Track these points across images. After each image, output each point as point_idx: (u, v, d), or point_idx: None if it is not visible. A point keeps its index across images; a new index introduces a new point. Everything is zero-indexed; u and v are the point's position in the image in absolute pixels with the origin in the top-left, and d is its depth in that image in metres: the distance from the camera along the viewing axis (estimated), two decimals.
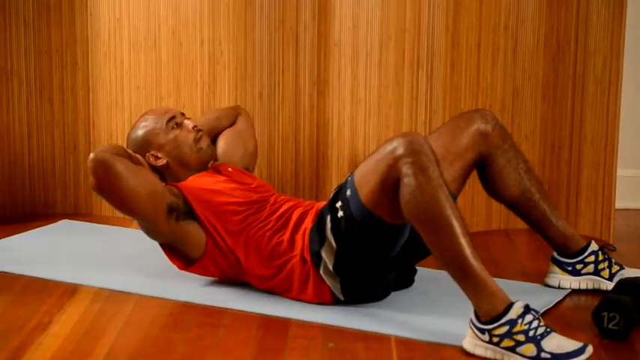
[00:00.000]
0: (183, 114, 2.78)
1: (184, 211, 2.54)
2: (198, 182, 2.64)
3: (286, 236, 2.53)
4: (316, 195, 3.33)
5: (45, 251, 3.00)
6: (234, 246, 2.55)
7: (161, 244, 2.62)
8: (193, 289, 2.60)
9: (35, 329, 2.32)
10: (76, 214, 3.50)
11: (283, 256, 2.52)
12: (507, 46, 3.22)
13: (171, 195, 2.54)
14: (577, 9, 3.18)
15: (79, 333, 2.30)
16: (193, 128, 2.73)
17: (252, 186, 2.71)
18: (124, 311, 2.45)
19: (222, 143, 2.95)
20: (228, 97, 3.32)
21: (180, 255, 2.60)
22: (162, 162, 2.69)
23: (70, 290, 2.62)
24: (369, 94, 3.21)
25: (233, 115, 3.04)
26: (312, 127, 3.32)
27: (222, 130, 3.00)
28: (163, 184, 2.59)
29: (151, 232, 2.57)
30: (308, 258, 2.47)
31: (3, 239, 3.14)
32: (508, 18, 3.20)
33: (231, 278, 2.61)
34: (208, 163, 2.78)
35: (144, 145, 2.70)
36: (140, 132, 2.72)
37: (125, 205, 2.49)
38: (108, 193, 2.47)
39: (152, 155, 2.70)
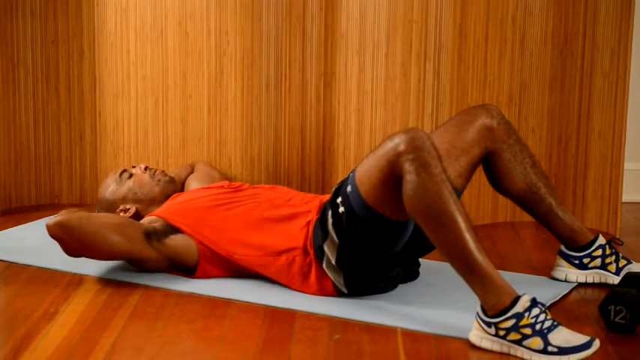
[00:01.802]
0: (134, 166, 2.89)
1: (164, 230, 2.58)
2: (169, 203, 2.73)
3: (282, 220, 2.56)
4: (322, 187, 3.33)
5: (51, 241, 2.99)
6: (220, 240, 2.57)
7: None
8: (199, 280, 2.60)
9: (41, 319, 2.32)
10: (81, 205, 3.50)
11: (281, 238, 2.52)
12: (515, 39, 3.21)
13: (145, 223, 2.60)
14: (585, 2, 3.17)
15: (85, 323, 2.30)
16: (145, 168, 2.85)
17: (225, 187, 2.78)
18: (130, 302, 2.45)
19: (191, 184, 3.07)
20: (234, 87, 3.31)
21: (181, 269, 2.62)
22: (132, 211, 2.78)
23: (76, 280, 2.63)
24: (376, 86, 3.20)
25: (190, 167, 3.23)
26: (318, 118, 3.32)
27: (185, 180, 3.13)
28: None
29: (144, 264, 2.60)
30: (311, 251, 2.48)
31: (9, 229, 3.14)
32: (516, 10, 3.19)
33: (236, 272, 2.61)
34: (172, 192, 2.86)
35: (111, 206, 2.82)
36: (103, 197, 2.85)
37: (101, 251, 2.53)
38: (78, 248, 2.52)
39: (121, 210, 2.79)
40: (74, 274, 2.67)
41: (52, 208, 3.43)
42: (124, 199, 2.81)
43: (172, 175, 3.04)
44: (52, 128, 3.48)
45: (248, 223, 2.58)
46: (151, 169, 2.87)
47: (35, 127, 3.46)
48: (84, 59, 3.45)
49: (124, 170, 2.86)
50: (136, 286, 2.57)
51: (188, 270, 2.61)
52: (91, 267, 2.71)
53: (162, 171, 2.90)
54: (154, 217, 2.64)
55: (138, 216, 2.77)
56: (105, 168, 3.46)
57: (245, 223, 2.59)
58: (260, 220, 2.58)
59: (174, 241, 2.57)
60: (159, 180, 2.84)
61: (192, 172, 3.19)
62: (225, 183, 2.82)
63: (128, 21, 3.38)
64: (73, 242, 2.51)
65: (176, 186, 2.92)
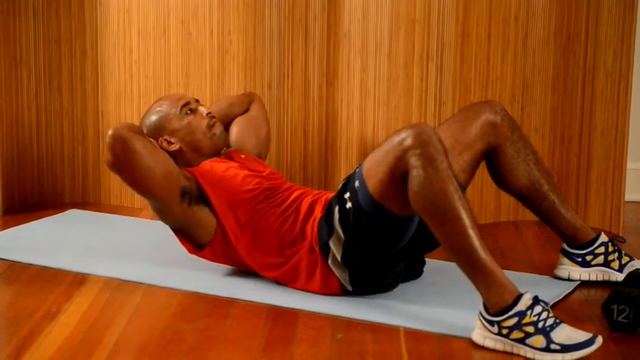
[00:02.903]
0: (197, 100, 2.79)
1: (197, 195, 2.54)
2: (211, 168, 2.64)
3: (297, 225, 2.53)
4: (325, 186, 3.32)
5: (53, 240, 3.00)
6: (241, 236, 2.55)
7: (172, 228, 2.62)
8: (202, 279, 2.60)
9: (44, 318, 2.32)
10: (84, 204, 3.50)
11: (294, 245, 2.52)
12: (517, 38, 3.20)
13: (185, 179, 2.55)
14: (588, 1, 3.16)
15: (87, 322, 2.30)
16: (207, 115, 2.74)
17: (264, 174, 2.71)
18: (133, 301, 2.45)
19: (235, 130, 2.96)
20: (237, 87, 3.31)
21: (191, 239, 2.60)
22: (175, 147, 2.69)
23: (79, 280, 2.63)
24: (379, 85, 3.20)
25: (246, 102, 3.06)
26: (321, 117, 3.32)
27: (235, 117, 3.00)
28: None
29: (163, 214, 2.56)
30: (316, 248, 2.47)
31: (11, 228, 3.14)
32: (519, 9, 3.19)
33: (239, 266, 2.61)
34: (221, 149, 2.78)
35: (157, 130, 2.70)
36: (154, 117, 2.72)
37: (140, 184, 2.49)
38: (124, 170, 2.47)
39: (165, 140, 2.69)
40: (77, 273, 2.67)
41: (55, 207, 3.43)
42: (172, 132, 2.70)
43: (226, 105, 2.99)
44: (55, 127, 3.49)
45: (271, 227, 2.55)
46: (212, 117, 2.75)
47: (38, 126, 3.47)
48: (86, 58, 3.45)
49: (188, 103, 2.74)
50: (138, 285, 2.57)
51: (196, 243, 2.60)
52: (93, 266, 2.71)
53: (222, 126, 2.79)
54: (192, 176, 2.58)
55: (178, 154, 2.69)
56: (107, 167, 3.45)
57: (268, 226, 2.55)
58: (276, 232, 2.55)
59: (201, 212, 2.55)
60: (213, 134, 2.73)
61: (246, 111, 3.05)
62: (267, 170, 2.75)
63: (131, 20, 3.38)
64: (123, 162, 2.46)
65: (227, 141, 2.83)
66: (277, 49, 3.28)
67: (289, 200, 2.60)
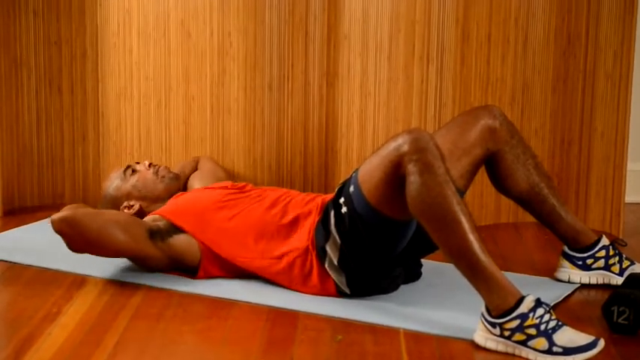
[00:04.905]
0: (137, 162, 2.90)
1: (167, 229, 2.58)
2: (174, 201, 2.72)
3: (284, 223, 2.55)
4: (325, 188, 3.32)
5: (53, 242, 2.99)
6: (222, 242, 2.58)
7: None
8: (202, 280, 2.60)
9: (44, 320, 2.32)
10: (85, 202, 3.50)
11: (283, 241, 2.52)
12: (517, 40, 3.20)
13: (148, 221, 2.60)
14: (588, 2, 3.16)
15: (87, 324, 2.30)
16: (149, 165, 2.86)
17: (228, 186, 2.78)
18: (132, 302, 2.45)
19: (194, 183, 3.05)
20: (237, 88, 3.31)
21: (182, 269, 2.62)
22: (135, 208, 2.79)
23: (79, 281, 2.63)
24: (379, 87, 3.20)
25: (194, 162, 3.22)
26: (321, 119, 3.31)
27: (189, 176, 3.11)
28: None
29: (147, 262, 2.60)
30: (313, 252, 2.47)
31: (11, 230, 3.14)
32: (519, 11, 3.19)
33: (238, 273, 2.61)
34: (176, 189, 2.86)
35: (115, 202, 2.83)
36: (107, 193, 2.86)
37: (105, 248, 2.53)
38: (82, 244, 2.53)
39: (125, 207, 2.80)
40: (77, 275, 2.67)
41: (55, 208, 3.41)
42: (127, 196, 2.82)
43: (176, 171, 3.04)
44: (55, 128, 3.48)
45: (251, 226, 2.58)
46: (155, 166, 2.87)
47: (38, 128, 3.46)
48: (87, 59, 3.45)
49: (128, 166, 2.86)
50: (138, 286, 2.57)
51: (190, 270, 2.61)
52: (93, 267, 2.71)
53: (167, 167, 2.90)
54: (158, 215, 2.63)
55: (142, 213, 2.77)
56: (107, 168, 3.45)
57: (248, 225, 2.58)
58: (263, 223, 2.58)
59: (178, 240, 2.57)
60: (163, 177, 2.85)
61: (196, 169, 3.18)
62: (229, 183, 2.82)
63: (131, 21, 3.38)
64: (77, 238, 2.50)
65: (180, 183, 2.92)
66: (277, 51, 3.28)
67: (267, 201, 2.64)
